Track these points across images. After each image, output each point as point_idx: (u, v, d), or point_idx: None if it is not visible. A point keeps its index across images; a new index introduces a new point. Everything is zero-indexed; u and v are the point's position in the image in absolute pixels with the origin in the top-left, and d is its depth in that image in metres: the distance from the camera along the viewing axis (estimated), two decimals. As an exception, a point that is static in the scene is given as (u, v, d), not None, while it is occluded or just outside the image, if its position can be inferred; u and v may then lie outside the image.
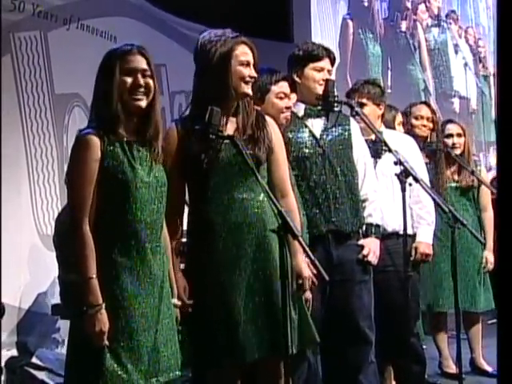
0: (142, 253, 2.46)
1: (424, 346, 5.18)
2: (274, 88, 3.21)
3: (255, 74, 2.81)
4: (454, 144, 4.74)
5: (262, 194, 2.72)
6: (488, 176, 6.15)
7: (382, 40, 8.64)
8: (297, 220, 2.87)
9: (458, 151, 4.72)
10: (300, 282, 2.83)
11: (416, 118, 4.66)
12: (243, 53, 2.80)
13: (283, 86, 3.24)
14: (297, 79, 3.41)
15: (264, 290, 2.70)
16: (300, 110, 3.42)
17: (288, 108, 3.25)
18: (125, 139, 2.49)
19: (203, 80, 2.81)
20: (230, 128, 2.79)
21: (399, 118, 4.41)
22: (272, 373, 2.75)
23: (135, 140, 2.52)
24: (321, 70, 3.41)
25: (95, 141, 2.44)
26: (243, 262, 2.70)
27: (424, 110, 4.71)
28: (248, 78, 2.79)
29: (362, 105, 3.83)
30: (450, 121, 5.01)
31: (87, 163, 2.43)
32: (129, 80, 2.48)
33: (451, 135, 4.77)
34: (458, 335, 3.38)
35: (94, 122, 2.50)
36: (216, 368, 2.74)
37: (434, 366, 4.87)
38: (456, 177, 4.76)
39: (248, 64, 2.80)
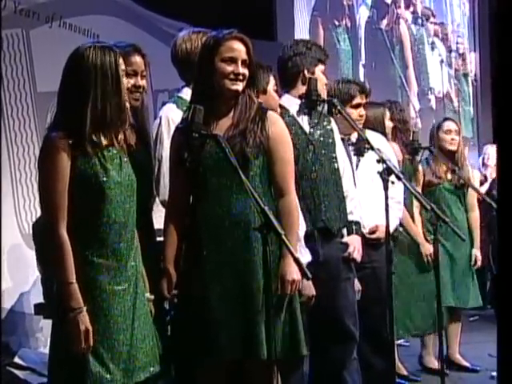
0: (118, 253, 2.44)
1: (407, 343, 5.22)
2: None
3: (241, 71, 2.73)
4: (452, 139, 4.80)
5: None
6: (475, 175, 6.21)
7: (355, 36, 8.59)
8: (295, 221, 2.81)
9: (453, 147, 4.80)
10: (282, 285, 2.70)
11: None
12: (229, 48, 2.73)
13: None
14: None
15: (244, 291, 2.68)
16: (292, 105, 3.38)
17: None
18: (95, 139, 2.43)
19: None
20: (225, 125, 2.76)
21: (388, 113, 4.45)
22: (256, 377, 2.73)
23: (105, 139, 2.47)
24: None
25: (66, 142, 2.37)
26: (225, 261, 2.70)
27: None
28: (232, 75, 2.72)
29: (358, 106, 3.85)
30: (448, 118, 5.12)
31: (59, 166, 2.36)
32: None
33: (450, 131, 4.83)
34: (441, 332, 3.40)
35: (62, 123, 2.42)
36: (192, 361, 2.74)
37: (417, 364, 4.90)
38: (449, 176, 4.78)
39: (233, 60, 2.73)
